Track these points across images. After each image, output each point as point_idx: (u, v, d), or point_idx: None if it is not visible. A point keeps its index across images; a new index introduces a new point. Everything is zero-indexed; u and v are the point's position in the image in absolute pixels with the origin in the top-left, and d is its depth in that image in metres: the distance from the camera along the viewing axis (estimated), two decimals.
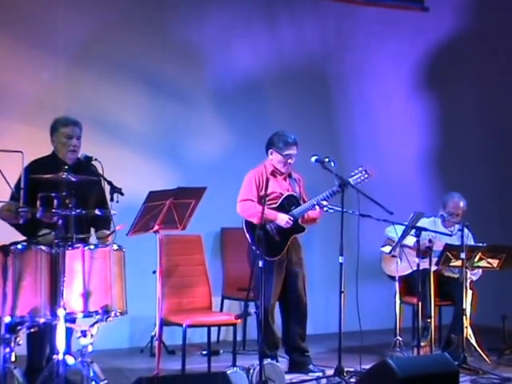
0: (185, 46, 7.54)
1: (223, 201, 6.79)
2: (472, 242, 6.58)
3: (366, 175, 6.04)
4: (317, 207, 6.06)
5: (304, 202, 6.18)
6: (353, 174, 6.05)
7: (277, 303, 6.19)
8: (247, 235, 6.08)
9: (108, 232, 5.28)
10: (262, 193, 5.99)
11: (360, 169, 6.06)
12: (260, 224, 5.41)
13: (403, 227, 6.32)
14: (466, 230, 6.33)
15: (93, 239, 5.39)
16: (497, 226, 8.28)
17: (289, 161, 6.15)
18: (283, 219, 6.05)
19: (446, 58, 8.71)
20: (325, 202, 6.02)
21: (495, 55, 8.71)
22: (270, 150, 6.19)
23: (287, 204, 6.14)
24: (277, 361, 5.84)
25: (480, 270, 6.64)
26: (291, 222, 6.04)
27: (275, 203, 6.13)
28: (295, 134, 6.26)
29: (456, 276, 6.92)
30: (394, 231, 6.57)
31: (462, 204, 6.96)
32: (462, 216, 6.93)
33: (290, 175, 6.27)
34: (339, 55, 8.25)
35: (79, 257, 4.73)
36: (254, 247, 5.91)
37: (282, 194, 6.16)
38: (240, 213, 6.14)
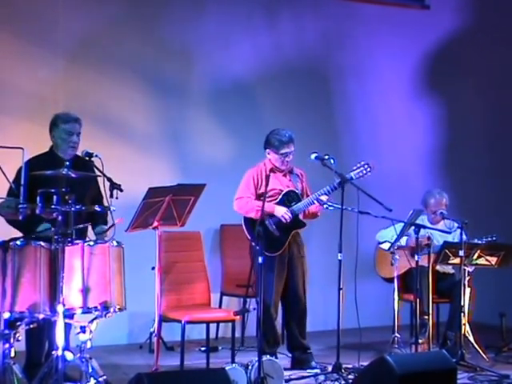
0: (184, 43, 7.52)
1: (222, 197, 6.78)
2: None
3: (369, 169, 6.03)
4: (315, 202, 6.06)
5: (307, 197, 6.16)
6: (354, 168, 6.04)
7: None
8: (246, 232, 6.08)
9: (106, 227, 5.31)
10: (261, 190, 6.02)
11: (362, 163, 6.05)
12: (261, 219, 5.39)
13: (402, 224, 6.33)
14: (456, 227, 6.36)
15: (91, 235, 5.41)
16: (496, 223, 8.26)
17: (286, 159, 6.14)
18: (280, 211, 6.03)
19: (447, 56, 8.69)
20: (325, 197, 6.00)
21: (496, 53, 8.70)
22: (267, 150, 6.18)
23: (287, 200, 6.13)
24: (276, 357, 5.85)
25: None
26: (289, 215, 6.03)
27: (275, 199, 6.13)
28: (295, 131, 6.25)
29: (451, 272, 6.94)
30: (385, 235, 6.61)
31: (444, 200, 6.95)
32: (447, 207, 6.92)
33: (291, 171, 6.26)
34: (339, 53, 8.24)
35: (78, 253, 4.74)
36: (253, 244, 5.92)
37: (282, 191, 6.15)
38: (237, 210, 6.14)
